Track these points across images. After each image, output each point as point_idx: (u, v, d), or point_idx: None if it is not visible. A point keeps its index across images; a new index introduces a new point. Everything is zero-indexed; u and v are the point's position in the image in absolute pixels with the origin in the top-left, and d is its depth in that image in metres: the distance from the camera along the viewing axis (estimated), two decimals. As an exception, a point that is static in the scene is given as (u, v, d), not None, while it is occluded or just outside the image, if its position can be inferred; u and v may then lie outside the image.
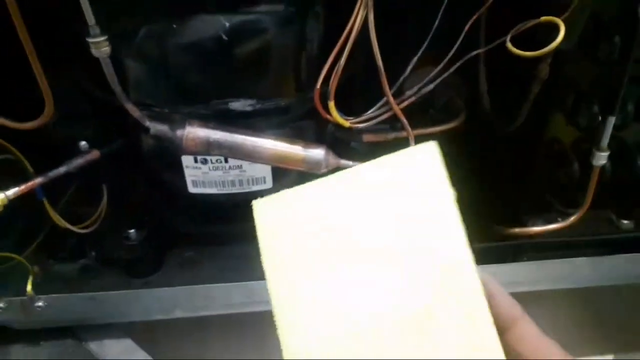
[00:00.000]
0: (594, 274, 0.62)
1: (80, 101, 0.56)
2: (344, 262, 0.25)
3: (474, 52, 0.48)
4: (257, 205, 0.28)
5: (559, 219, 0.60)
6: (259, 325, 0.74)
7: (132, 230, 0.61)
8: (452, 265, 0.25)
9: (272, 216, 0.27)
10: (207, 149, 0.47)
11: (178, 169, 0.53)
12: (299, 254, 0.25)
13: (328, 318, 0.24)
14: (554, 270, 0.61)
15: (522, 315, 0.28)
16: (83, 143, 0.55)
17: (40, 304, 0.55)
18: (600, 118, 0.53)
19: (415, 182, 0.26)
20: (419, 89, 0.50)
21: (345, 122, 0.50)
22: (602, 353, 0.71)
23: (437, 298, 0.24)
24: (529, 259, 0.61)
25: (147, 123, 0.47)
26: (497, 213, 0.61)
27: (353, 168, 0.28)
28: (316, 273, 0.25)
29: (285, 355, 0.24)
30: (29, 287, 0.55)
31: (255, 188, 0.56)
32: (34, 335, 0.59)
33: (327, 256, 0.25)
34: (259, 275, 0.61)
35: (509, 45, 0.45)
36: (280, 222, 0.27)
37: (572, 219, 0.57)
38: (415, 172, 0.26)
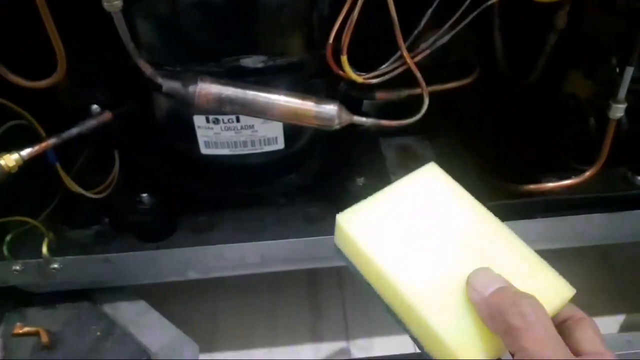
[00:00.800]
0: (608, 231, 0.61)
1: (93, 65, 0.55)
2: (435, 248, 0.34)
3: (489, 2, 0.47)
4: (342, 217, 0.35)
5: (573, 177, 0.60)
6: (272, 286, 0.75)
7: (145, 195, 0.61)
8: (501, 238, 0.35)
9: (358, 224, 0.35)
10: (220, 105, 0.47)
11: (190, 130, 0.53)
12: (397, 247, 0.34)
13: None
14: (566, 228, 0.61)
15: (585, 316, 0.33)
16: (95, 107, 0.55)
17: (55, 266, 0.55)
18: (617, 70, 0.52)
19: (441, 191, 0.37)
20: (434, 42, 0.49)
21: (359, 78, 0.50)
22: (613, 312, 0.72)
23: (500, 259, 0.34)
24: (541, 217, 0.60)
25: (159, 80, 0.46)
26: (511, 170, 0.60)
27: (393, 185, 0.37)
28: (419, 257, 0.33)
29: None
30: (44, 249, 0.55)
31: (267, 149, 0.56)
32: (50, 298, 0.59)
33: (418, 244, 0.34)
34: (272, 235, 0.61)
35: (527, -8, 0.44)
36: (369, 227, 0.35)
37: (587, 174, 0.57)
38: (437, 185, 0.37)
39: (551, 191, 0.59)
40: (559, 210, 0.60)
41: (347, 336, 0.70)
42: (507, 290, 0.31)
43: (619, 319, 0.70)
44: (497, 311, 0.30)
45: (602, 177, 0.59)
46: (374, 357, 0.54)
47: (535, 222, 0.60)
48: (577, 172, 0.59)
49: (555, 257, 0.74)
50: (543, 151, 0.62)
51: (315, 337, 0.70)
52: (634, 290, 0.75)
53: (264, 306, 0.73)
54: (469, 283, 0.32)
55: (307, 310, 0.73)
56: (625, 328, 0.69)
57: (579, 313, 0.34)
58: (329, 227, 0.63)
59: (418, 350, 0.34)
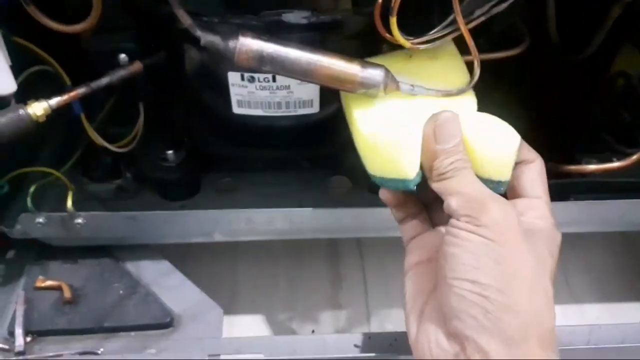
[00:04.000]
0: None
1: (121, 11, 0.52)
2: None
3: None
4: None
5: (614, 159, 0.57)
6: (295, 253, 0.74)
7: (170, 152, 0.59)
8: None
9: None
10: (260, 63, 0.44)
11: (223, 87, 0.51)
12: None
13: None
14: (602, 212, 0.59)
15: (536, 158, 0.39)
16: (123, 56, 0.52)
17: (79, 220, 0.54)
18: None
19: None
20: (490, 8, 0.46)
21: (406, 42, 0.46)
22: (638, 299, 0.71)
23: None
24: (576, 199, 0.59)
25: (198, 33, 0.43)
26: (551, 149, 0.58)
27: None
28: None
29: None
30: (69, 203, 0.53)
31: (301, 111, 0.53)
32: (70, 252, 0.58)
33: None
34: (297, 203, 0.60)
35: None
36: None
37: (633, 158, 0.55)
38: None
39: (592, 173, 0.57)
40: (598, 193, 0.58)
41: (367, 306, 0.70)
42: (458, 147, 0.36)
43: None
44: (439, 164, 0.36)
45: (644, 162, 0.57)
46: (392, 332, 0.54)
47: (569, 204, 0.58)
48: (619, 155, 0.57)
49: (580, 241, 0.73)
50: (586, 131, 0.60)
51: (335, 304, 0.70)
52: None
53: (283, 271, 0.73)
54: (436, 123, 0.37)
55: (327, 277, 0.72)
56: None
57: (532, 155, 0.39)
58: (356, 198, 0.62)
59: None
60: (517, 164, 0.39)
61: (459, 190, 0.35)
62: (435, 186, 0.36)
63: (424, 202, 0.44)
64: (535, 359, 0.30)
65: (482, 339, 0.30)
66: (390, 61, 0.47)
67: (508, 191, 0.40)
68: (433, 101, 0.44)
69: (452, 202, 0.34)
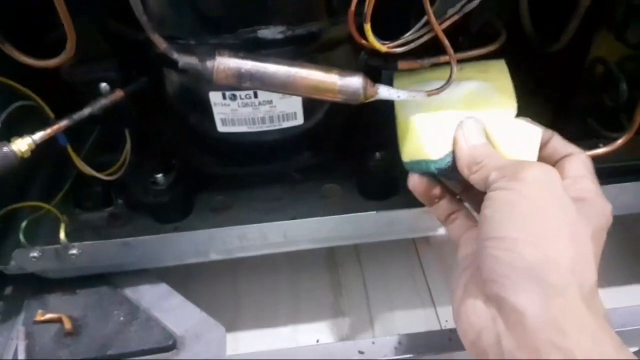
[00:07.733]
0: (636, 200, 0.60)
1: (100, 40, 0.53)
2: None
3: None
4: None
5: (601, 145, 0.58)
6: (293, 265, 0.74)
7: (159, 175, 0.59)
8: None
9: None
10: (239, 80, 0.44)
11: (206, 107, 0.51)
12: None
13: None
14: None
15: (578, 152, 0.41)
16: (104, 85, 0.52)
17: (74, 251, 0.54)
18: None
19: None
20: (462, 7, 0.46)
21: (382, 47, 0.47)
22: (636, 282, 0.71)
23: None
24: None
25: (175, 56, 0.44)
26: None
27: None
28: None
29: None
30: (62, 235, 0.53)
31: (285, 124, 0.54)
32: (69, 283, 0.58)
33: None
34: (293, 215, 0.60)
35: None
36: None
37: (619, 142, 0.55)
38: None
39: (580, 160, 0.57)
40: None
41: (370, 310, 0.70)
42: (486, 145, 0.39)
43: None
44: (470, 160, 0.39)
45: (631, 145, 0.57)
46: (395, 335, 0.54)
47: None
48: (606, 140, 0.57)
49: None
50: (570, 119, 0.60)
51: (338, 312, 0.70)
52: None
53: (284, 283, 0.73)
54: (463, 128, 0.41)
55: (328, 285, 0.72)
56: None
57: (571, 149, 0.41)
58: (349, 204, 0.62)
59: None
60: (560, 159, 0.41)
61: (494, 167, 0.36)
62: (474, 178, 0.38)
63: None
64: (576, 310, 0.29)
65: (516, 297, 0.29)
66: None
67: None
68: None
69: (490, 177, 0.35)
